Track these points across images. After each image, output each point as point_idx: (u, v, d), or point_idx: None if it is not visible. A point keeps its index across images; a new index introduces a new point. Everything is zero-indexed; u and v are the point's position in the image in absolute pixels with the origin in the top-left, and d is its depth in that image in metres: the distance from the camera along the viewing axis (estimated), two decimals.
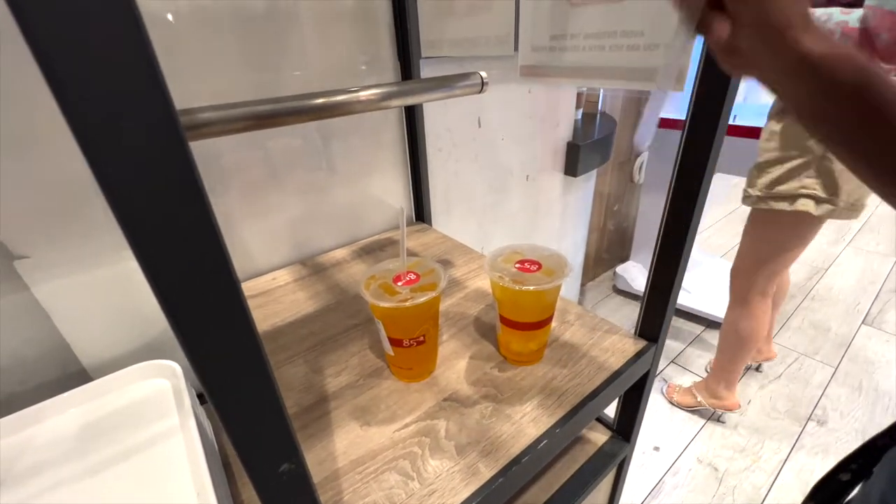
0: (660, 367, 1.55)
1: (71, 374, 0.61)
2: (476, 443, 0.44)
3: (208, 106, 0.45)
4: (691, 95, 0.43)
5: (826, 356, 1.55)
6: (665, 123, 1.60)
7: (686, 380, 1.49)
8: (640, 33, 0.43)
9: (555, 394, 0.49)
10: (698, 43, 0.36)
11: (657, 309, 0.53)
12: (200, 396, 0.60)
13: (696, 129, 0.44)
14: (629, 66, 0.46)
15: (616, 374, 0.51)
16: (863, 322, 1.69)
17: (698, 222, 0.48)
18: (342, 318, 0.64)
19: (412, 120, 0.84)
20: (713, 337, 1.67)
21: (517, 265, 0.50)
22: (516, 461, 0.42)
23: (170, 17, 0.57)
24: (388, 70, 0.79)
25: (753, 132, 1.31)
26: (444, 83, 0.61)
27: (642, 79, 0.46)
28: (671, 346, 1.65)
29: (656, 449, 1.29)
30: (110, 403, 0.53)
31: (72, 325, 0.59)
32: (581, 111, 1.40)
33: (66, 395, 0.52)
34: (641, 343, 0.56)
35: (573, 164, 1.26)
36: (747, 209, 1.09)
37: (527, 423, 0.46)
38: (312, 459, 0.43)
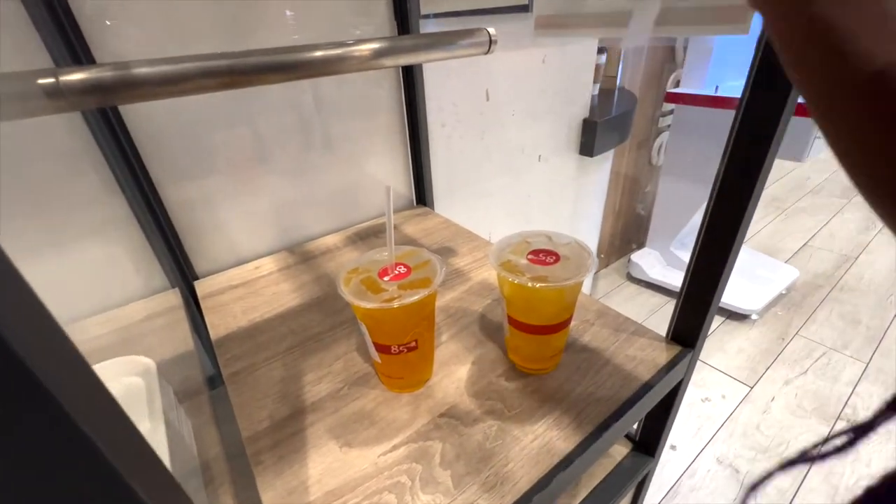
0: None
1: None
2: (477, 472, 0.36)
3: (151, 59, 0.36)
4: (756, 51, 0.33)
5: (857, 351, 1.45)
6: (686, 99, 1.47)
7: (705, 375, 1.41)
8: None
9: (573, 410, 0.41)
10: None
11: (697, 310, 0.44)
12: (178, 394, 0.54)
13: (758, 96, 0.34)
14: (667, 7, 0.37)
15: (646, 387, 0.43)
16: None
17: (754, 210, 0.39)
18: (328, 315, 0.56)
19: (411, 90, 0.74)
20: (733, 328, 1.58)
21: (530, 256, 0.42)
22: (525, 499, 0.34)
23: None
24: (383, 30, 0.70)
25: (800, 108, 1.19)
26: (444, 40, 0.52)
27: (686, 22, 0.37)
28: None
29: (673, 447, 1.21)
30: None
31: None
32: (598, 86, 1.29)
33: None
34: (675, 349, 0.47)
35: (589, 143, 1.16)
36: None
37: (538, 448, 0.38)
38: (281, 488, 0.36)
